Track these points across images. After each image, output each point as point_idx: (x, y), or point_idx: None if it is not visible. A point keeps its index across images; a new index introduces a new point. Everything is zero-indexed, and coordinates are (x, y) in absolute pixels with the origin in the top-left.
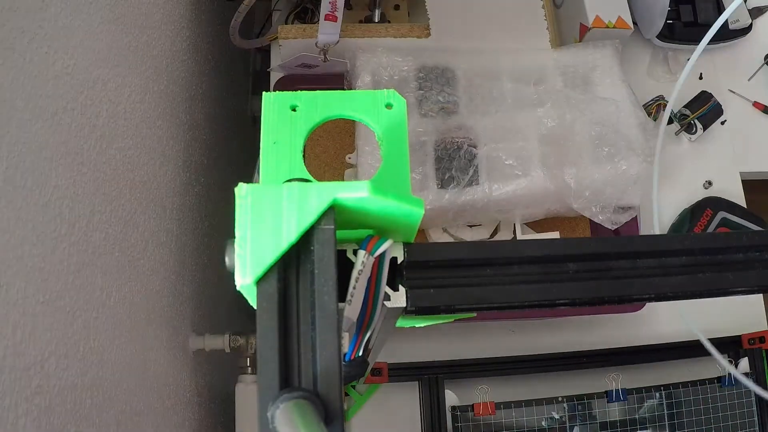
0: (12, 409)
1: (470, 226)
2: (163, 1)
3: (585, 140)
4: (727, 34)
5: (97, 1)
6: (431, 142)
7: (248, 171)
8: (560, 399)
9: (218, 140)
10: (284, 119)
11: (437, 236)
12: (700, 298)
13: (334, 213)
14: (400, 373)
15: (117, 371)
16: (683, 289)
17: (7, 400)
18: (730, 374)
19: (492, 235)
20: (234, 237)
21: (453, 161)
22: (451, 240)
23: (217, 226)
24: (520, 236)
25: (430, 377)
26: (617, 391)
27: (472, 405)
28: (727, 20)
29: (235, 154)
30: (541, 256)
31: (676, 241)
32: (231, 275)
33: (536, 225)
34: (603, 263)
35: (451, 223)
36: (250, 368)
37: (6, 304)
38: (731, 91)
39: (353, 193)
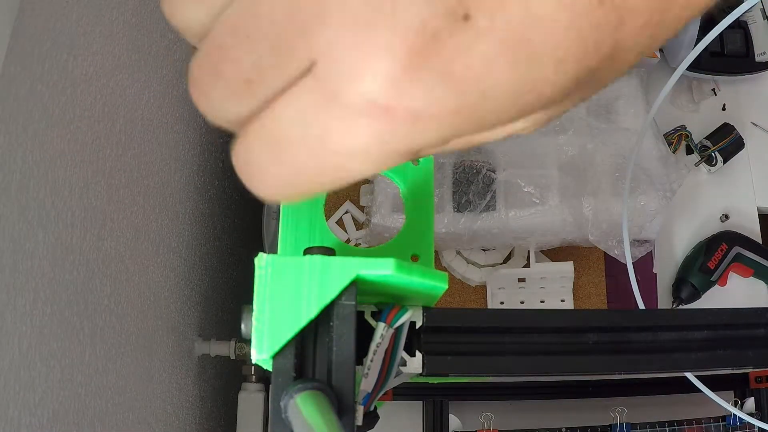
0: (15, 420)
1: (484, 250)
2: None
3: (605, 171)
4: (753, 66)
5: (120, 6)
6: (450, 164)
7: None
8: (564, 430)
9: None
10: None
11: (450, 259)
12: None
13: (355, 289)
14: (405, 392)
15: (121, 378)
16: (703, 366)
17: (11, 410)
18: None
19: (505, 260)
20: (250, 302)
21: (471, 185)
22: (464, 262)
23: (228, 230)
24: (533, 263)
25: (435, 400)
26: (621, 425)
27: None
28: (753, 52)
29: None
30: (561, 326)
31: (699, 316)
32: (239, 282)
33: (550, 253)
34: (623, 335)
35: (465, 247)
36: (254, 377)
37: (14, 315)
38: (754, 124)
39: (377, 270)
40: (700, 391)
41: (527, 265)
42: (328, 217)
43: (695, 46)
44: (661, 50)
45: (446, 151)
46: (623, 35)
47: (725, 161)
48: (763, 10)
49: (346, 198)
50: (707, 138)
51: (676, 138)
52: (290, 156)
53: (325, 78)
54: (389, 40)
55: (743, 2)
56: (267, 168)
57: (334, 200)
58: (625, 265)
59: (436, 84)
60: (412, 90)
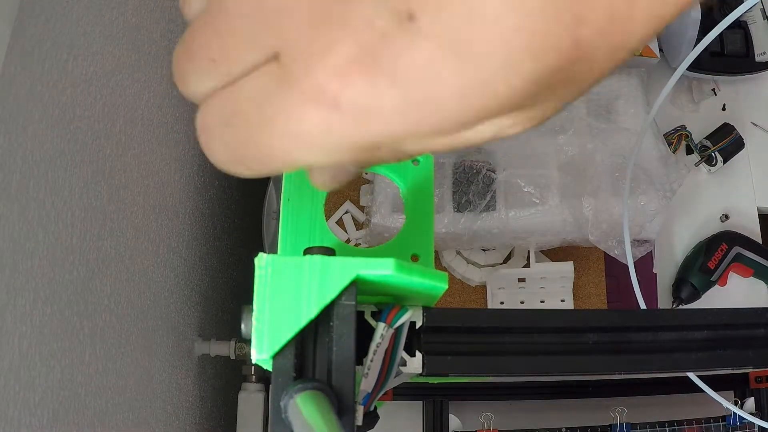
0: (15, 420)
1: (484, 250)
2: None
3: (605, 171)
4: (753, 66)
5: (120, 6)
6: (450, 164)
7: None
8: (564, 430)
9: None
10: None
11: (450, 258)
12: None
13: (355, 289)
14: (405, 392)
15: (122, 378)
16: (703, 366)
17: (11, 410)
18: (735, 413)
19: (505, 260)
20: (250, 302)
21: (471, 185)
22: (464, 262)
23: (228, 230)
24: (533, 264)
25: (435, 400)
26: (622, 425)
27: None
28: (753, 52)
29: None
30: (561, 326)
31: (699, 316)
32: (239, 282)
33: (551, 253)
34: (623, 335)
35: (465, 247)
36: (254, 376)
37: (14, 315)
38: (754, 123)
39: (377, 270)
40: (700, 391)
41: (527, 265)
42: (328, 217)
43: (695, 46)
44: (661, 50)
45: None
46: (586, 33)
47: (725, 161)
48: (763, 10)
49: (346, 198)
50: (707, 138)
51: (676, 138)
52: (239, 128)
53: (285, 65)
54: (339, 37)
55: (743, 2)
56: (218, 136)
57: (334, 200)
58: (625, 265)
59: (380, 81)
60: (357, 84)
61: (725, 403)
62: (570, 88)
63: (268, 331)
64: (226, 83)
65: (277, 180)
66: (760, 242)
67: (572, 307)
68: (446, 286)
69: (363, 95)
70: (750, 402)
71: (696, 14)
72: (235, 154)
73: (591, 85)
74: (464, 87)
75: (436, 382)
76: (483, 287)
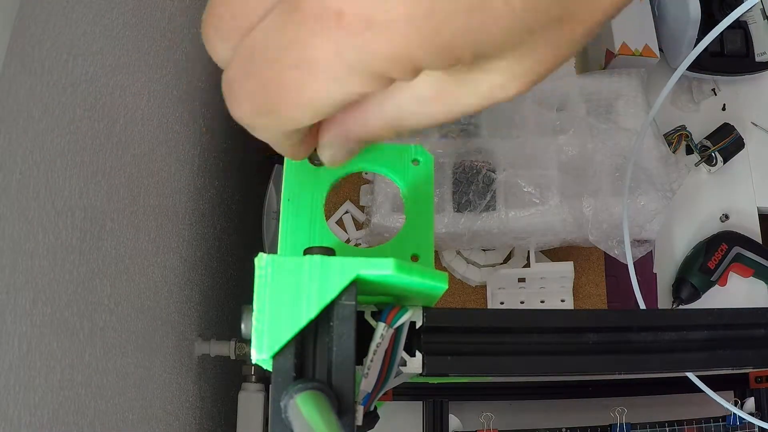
0: (15, 420)
1: (484, 250)
2: (187, 4)
3: (605, 171)
4: (753, 66)
5: (120, 6)
6: (450, 164)
7: (262, 175)
8: (564, 430)
9: (234, 144)
10: (305, 171)
11: (450, 258)
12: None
13: (355, 289)
14: (405, 392)
15: (121, 378)
16: (703, 366)
17: (11, 410)
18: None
19: (505, 260)
20: (250, 302)
21: (471, 185)
22: (464, 262)
23: (228, 230)
24: (533, 264)
25: (435, 400)
26: (622, 425)
27: None
28: (753, 52)
29: (250, 156)
30: (561, 326)
31: (699, 316)
32: (239, 282)
33: (551, 253)
34: (623, 335)
35: (465, 247)
36: (254, 377)
37: (14, 316)
38: (754, 123)
39: (377, 270)
40: (700, 391)
41: (527, 265)
42: (328, 217)
43: (695, 46)
44: (661, 50)
45: (430, 120)
46: None
47: (725, 161)
48: (763, 10)
49: (346, 198)
50: (707, 138)
51: (676, 138)
52: (257, 72)
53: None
54: None
55: (743, 2)
56: (240, 86)
57: (334, 200)
58: (625, 265)
59: None
60: None
61: (725, 403)
62: (562, 31)
63: (268, 331)
64: (240, 35)
65: (277, 180)
66: (760, 242)
67: (572, 307)
68: (446, 286)
69: (366, 7)
70: (750, 402)
71: (696, 14)
72: (256, 101)
73: (582, 33)
74: (467, 7)
75: (436, 382)
76: (483, 287)
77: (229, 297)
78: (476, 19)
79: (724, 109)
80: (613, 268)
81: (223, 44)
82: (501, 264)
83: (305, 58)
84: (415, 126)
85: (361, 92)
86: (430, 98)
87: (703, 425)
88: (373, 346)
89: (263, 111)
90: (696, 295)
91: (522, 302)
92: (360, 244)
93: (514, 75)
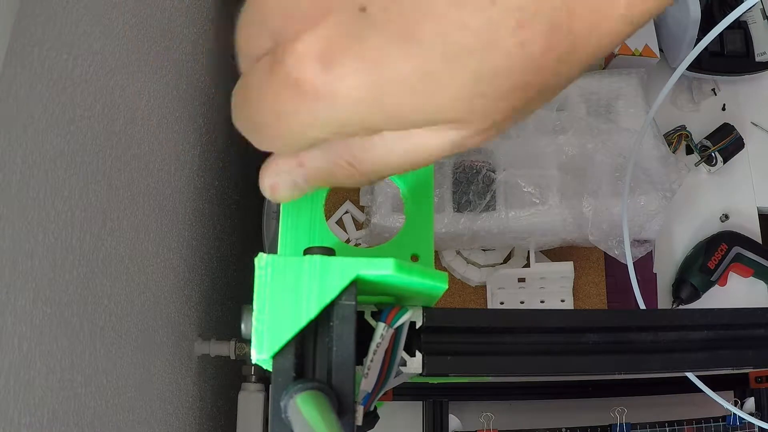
0: (15, 420)
1: (484, 250)
2: (187, 4)
3: (605, 171)
4: (753, 66)
5: (120, 6)
6: (450, 164)
7: None
8: (564, 430)
9: (234, 144)
10: None
11: (450, 258)
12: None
13: (355, 289)
14: (405, 392)
15: (121, 378)
16: (703, 366)
17: (11, 410)
18: (734, 413)
19: (505, 260)
20: (250, 302)
21: (471, 185)
22: (464, 262)
23: (228, 230)
24: (533, 264)
25: (435, 400)
26: (622, 425)
27: None
28: (753, 52)
29: (250, 156)
30: (561, 326)
31: (699, 316)
32: (239, 282)
33: (551, 253)
34: (623, 335)
35: (465, 247)
36: (254, 377)
37: (13, 316)
38: (754, 123)
39: (377, 270)
40: (700, 391)
41: (527, 265)
42: (328, 217)
43: (695, 46)
44: (661, 50)
45: (390, 168)
46: (529, 35)
47: (725, 161)
48: (763, 10)
49: (346, 198)
50: (707, 138)
51: (676, 138)
52: (246, 104)
53: (274, 52)
54: (306, 27)
55: (743, 2)
56: (238, 110)
57: (334, 200)
58: (625, 265)
59: (337, 67)
60: (317, 69)
61: (725, 403)
62: (518, 97)
63: (268, 331)
64: (250, 65)
65: None
66: (760, 242)
67: (572, 307)
68: (446, 286)
69: (319, 80)
70: (750, 402)
71: (696, 14)
72: (247, 125)
73: (544, 96)
74: (410, 77)
75: (436, 382)
76: (483, 287)
77: (229, 297)
78: (422, 91)
79: (724, 109)
80: (613, 268)
81: (242, 62)
82: (501, 264)
83: (275, 109)
84: (373, 169)
85: (324, 139)
86: (391, 142)
87: (703, 425)
88: (373, 346)
89: (251, 134)
90: (696, 295)
91: (522, 302)
92: (360, 244)
93: (477, 131)
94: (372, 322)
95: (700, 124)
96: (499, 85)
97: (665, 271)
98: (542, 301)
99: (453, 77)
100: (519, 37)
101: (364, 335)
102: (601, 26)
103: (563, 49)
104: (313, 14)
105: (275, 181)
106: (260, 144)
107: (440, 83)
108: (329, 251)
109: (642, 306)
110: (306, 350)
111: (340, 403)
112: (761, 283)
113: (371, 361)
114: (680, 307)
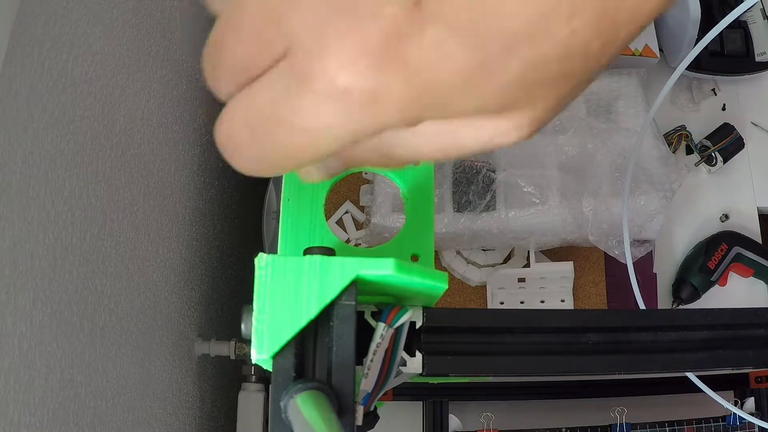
0: (15, 420)
1: (484, 250)
2: (187, 4)
3: (605, 171)
4: (753, 66)
5: (120, 6)
6: (450, 164)
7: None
8: (564, 430)
9: None
10: None
11: (450, 258)
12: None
13: (355, 289)
14: (405, 392)
15: (121, 378)
16: (703, 366)
17: (11, 410)
18: (734, 413)
19: (505, 260)
20: (250, 302)
21: (471, 185)
22: (464, 262)
23: (228, 230)
24: (533, 264)
25: (435, 400)
26: (622, 425)
27: None
28: (753, 52)
29: None
30: (561, 326)
31: (699, 316)
32: (239, 282)
33: (551, 253)
34: (623, 335)
35: (465, 247)
36: (254, 377)
37: (14, 316)
38: (754, 123)
39: (377, 270)
40: (700, 391)
41: (527, 265)
42: (328, 217)
43: (695, 45)
44: (661, 50)
45: (420, 155)
46: (579, 25)
47: (725, 161)
48: (763, 10)
49: (346, 198)
50: (707, 138)
51: (676, 138)
52: (265, 134)
53: (297, 61)
54: (349, 27)
55: (743, 2)
56: (247, 148)
57: (334, 200)
58: (625, 265)
59: (391, 68)
60: (369, 74)
61: (725, 403)
62: (563, 85)
63: (268, 331)
64: (247, 82)
65: (277, 180)
66: (760, 242)
67: (572, 307)
68: (446, 286)
69: (375, 84)
70: (750, 402)
71: (696, 14)
72: (261, 159)
73: (582, 85)
74: (469, 70)
75: (436, 382)
76: (483, 287)
77: (229, 297)
78: (475, 80)
79: (724, 109)
80: (613, 268)
81: (223, 83)
82: (501, 264)
83: (314, 124)
84: (404, 157)
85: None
86: (429, 133)
87: (703, 425)
88: (373, 346)
89: (264, 164)
90: (696, 295)
91: (522, 302)
92: (360, 244)
93: (519, 124)
94: (372, 322)
95: (700, 124)
96: (550, 72)
97: (665, 271)
98: (542, 301)
99: (506, 65)
100: (571, 25)
101: (364, 335)
102: (643, 9)
103: (607, 37)
104: (357, 8)
105: (308, 170)
106: (279, 169)
107: (493, 71)
108: (329, 251)
109: (642, 306)
110: (306, 350)
111: (340, 403)
112: (761, 283)
113: (371, 361)
114: (680, 307)
